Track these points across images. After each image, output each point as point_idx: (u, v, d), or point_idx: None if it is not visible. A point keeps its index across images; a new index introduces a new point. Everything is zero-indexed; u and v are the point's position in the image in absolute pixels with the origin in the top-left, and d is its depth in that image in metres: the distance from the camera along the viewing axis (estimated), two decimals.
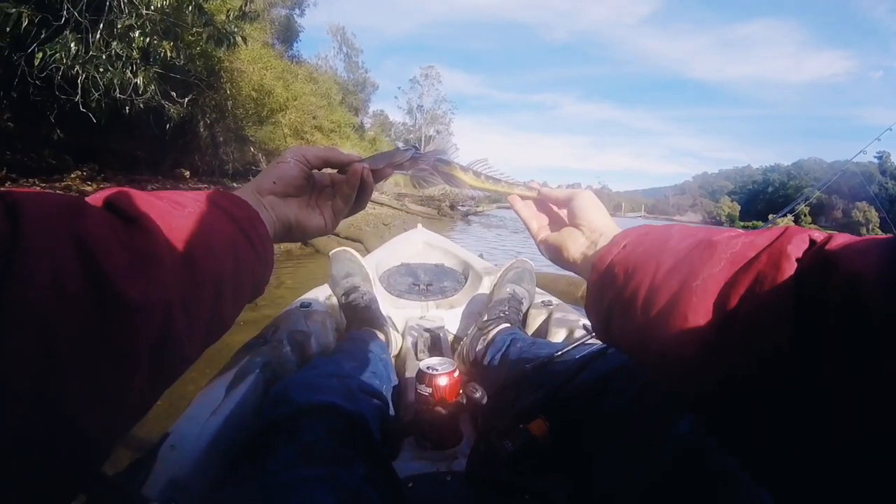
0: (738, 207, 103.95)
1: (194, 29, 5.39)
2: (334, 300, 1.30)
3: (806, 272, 0.26)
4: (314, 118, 14.41)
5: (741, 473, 0.43)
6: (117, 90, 4.87)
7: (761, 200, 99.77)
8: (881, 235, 0.26)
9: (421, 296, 1.49)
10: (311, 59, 25.34)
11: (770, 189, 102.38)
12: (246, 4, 5.31)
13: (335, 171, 0.52)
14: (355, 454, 0.58)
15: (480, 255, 1.84)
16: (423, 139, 42.01)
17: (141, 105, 5.36)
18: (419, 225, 2.11)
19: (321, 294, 1.35)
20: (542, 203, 0.57)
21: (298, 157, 0.49)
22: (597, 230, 0.48)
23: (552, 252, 0.52)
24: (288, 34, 19.29)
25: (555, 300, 1.34)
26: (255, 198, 0.46)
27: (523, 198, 0.57)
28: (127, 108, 5.29)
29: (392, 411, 0.84)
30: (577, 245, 0.49)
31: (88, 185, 7.26)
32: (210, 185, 9.80)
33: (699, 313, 0.31)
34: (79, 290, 0.25)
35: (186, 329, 0.32)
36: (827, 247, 0.27)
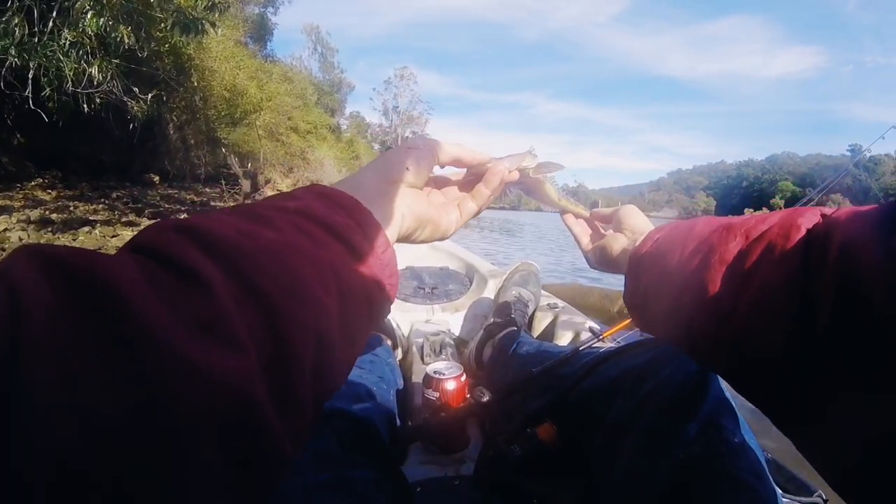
0: (714, 202, 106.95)
1: (161, 24, 5.09)
2: None
3: (813, 239, 0.29)
4: (289, 119, 14.11)
5: (751, 478, 0.45)
6: (70, 82, 4.44)
7: (736, 195, 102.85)
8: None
9: (426, 299, 1.48)
10: (285, 58, 24.78)
11: (744, 184, 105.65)
12: None
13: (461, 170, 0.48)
14: (365, 459, 0.58)
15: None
16: (398, 141, 42.08)
17: (98, 100, 4.96)
18: None
19: None
20: (591, 222, 0.63)
21: (431, 148, 0.41)
22: (637, 231, 0.53)
23: (598, 254, 0.57)
24: (261, 33, 18.86)
25: (560, 303, 1.34)
26: (379, 186, 0.37)
27: (577, 216, 0.63)
28: (86, 105, 4.88)
29: (399, 416, 0.83)
30: (618, 244, 0.54)
31: (48, 192, 6.92)
32: (181, 190, 9.47)
33: (717, 282, 0.34)
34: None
35: (278, 415, 0.22)
36: (832, 215, 0.29)
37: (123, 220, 6.08)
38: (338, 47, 34.48)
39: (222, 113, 9.15)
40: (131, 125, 5.99)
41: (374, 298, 0.32)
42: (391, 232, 0.36)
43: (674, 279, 0.39)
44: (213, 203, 8.71)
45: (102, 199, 7.09)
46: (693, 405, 0.50)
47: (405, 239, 0.40)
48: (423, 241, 0.43)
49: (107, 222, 5.72)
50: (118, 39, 4.50)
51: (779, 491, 0.47)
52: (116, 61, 4.84)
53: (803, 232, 0.29)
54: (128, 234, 5.38)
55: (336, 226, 0.30)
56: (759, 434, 0.51)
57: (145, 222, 6.19)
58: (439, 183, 0.47)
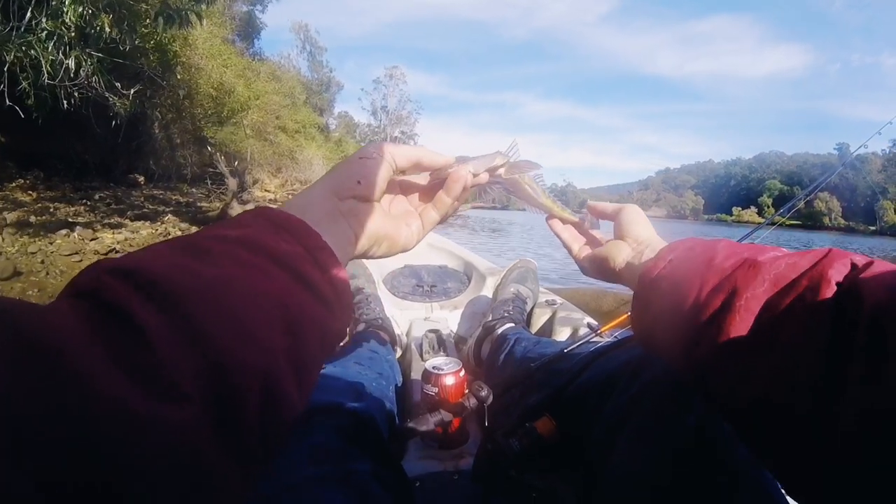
0: (702, 201, 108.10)
1: (146, 19, 4.92)
2: None
3: (843, 297, 0.28)
4: (278, 118, 13.94)
5: (751, 468, 0.44)
6: (45, 74, 4.18)
7: (724, 193, 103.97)
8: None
9: (425, 297, 1.50)
10: (273, 57, 24.41)
11: (732, 182, 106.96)
12: None
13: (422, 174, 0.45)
14: (364, 453, 0.58)
15: None
16: (388, 140, 41.88)
17: (77, 95, 4.71)
18: None
19: None
20: (580, 227, 0.59)
21: (385, 155, 0.39)
22: (643, 241, 0.50)
23: (597, 264, 0.53)
24: (249, 31, 18.66)
25: (559, 299, 1.34)
26: (328, 204, 0.35)
27: (564, 221, 0.59)
28: (65, 101, 4.66)
29: (398, 412, 0.83)
30: (622, 255, 0.50)
31: (29, 194, 6.76)
32: (166, 191, 9.32)
33: (740, 330, 0.32)
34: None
35: (225, 458, 0.22)
36: (863, 274, 0.29)
37: (105, 221, 5.94)
38: (326, 46, 34.19)
39: (209, 112, 9.00)
40: (113, 122, 5.82)
41: (327, 328, 0.30)
42: (343, 253, 0.34)
43: (690, 316, 0.37)
44: (199, 204, 8.57)
45: (84, 201, 6.95)
46: (690, 397, 0.50)
47: (361, 256, 0.39)
48: (381, 257, 0.41)
49: (88, 224, 5.57)
50: (98, 29, 4.26)
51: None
52: (98, 55, 4.62)
53: (833, 287, 0.29)
54: (108, 236, 5.24)
55: (282, 254, 0.28)
56: None
57: (128, 223, 6.06)
58: (406, 188, 0.44)
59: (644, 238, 0.50)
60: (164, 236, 5.90)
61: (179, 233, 6.11)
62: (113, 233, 5.44)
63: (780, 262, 0.33)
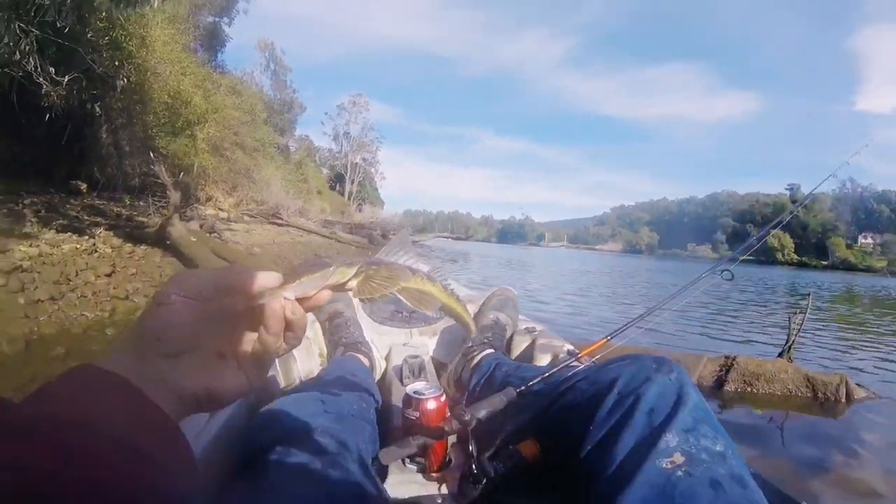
0: (657, 237, 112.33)
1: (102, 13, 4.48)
2: (318, 326, 1.29)
3: None
4: (236, 134, 13.58)
5: (735, 485, 0.47)
6: None
7: (678, 230, 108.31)
8: None
9: (404, 322, 1.49)
10: (236, 72, 23.51)
11: (686, 220, 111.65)
12: None
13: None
14: (347, 478, 0.59)
15: None
16: (349, 166, 41.71)
17: None
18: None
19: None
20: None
21: (186, 291, 0.33)
22: None
23: None
24: (213, 42, 18.18)
25: (538, 326, 1.36)
26: (133, 372, 0.30)
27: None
28: None
29: (379, 436, 0.83)
30: None
31: None
32: (109, 201, 8.74)
33: None
34: None
35: None
36: None
37: (25, 231, 5.26)
38: (291, 67, 33.78)
39: (162, 120, 8.59)
40: (48, 115, 5.25)
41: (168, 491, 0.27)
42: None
43: None
44: (138, 218, 7.98)
45: (10, 205, 6.35)
46: (672, 416, 0.54)
47: (190, 413, 0.33)
48: (212, 410, 0.36)
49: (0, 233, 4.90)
50: None
51: None
52: (35, 31, 4.04)
53: None
54: (22, 249, 4.58)
55: (111, 427, 0.26)
56: (745, 451, 0.56)
57: (50, 236, 5.41)
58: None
59: None
60: (90, 253, 5.29)
61: (110, 250, 5.50)
62: (29, 245, 4.84)
63: None
